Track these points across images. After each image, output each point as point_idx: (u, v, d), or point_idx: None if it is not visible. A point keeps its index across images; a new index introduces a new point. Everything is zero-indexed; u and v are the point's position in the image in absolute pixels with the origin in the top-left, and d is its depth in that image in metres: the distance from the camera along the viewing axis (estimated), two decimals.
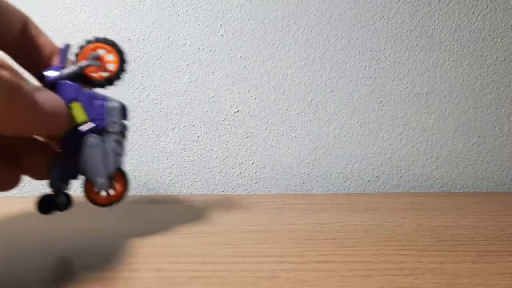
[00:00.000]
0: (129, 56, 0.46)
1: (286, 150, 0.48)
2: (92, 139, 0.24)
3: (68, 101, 0.24)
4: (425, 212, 0.34)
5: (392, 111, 0.48)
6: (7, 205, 0.36)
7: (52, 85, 0.24)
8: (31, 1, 0.45)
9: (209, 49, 0.46)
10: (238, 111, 0.47)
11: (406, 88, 0.48)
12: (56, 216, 0.28)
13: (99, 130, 0.25)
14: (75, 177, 0.26)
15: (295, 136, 0.48)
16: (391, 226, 0.29)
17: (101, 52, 0.25)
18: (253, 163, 0.48)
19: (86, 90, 0.25)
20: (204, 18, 0.46)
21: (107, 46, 0.25)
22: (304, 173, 0.48)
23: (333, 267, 0.21)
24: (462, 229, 0.29)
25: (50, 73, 0.24)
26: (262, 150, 0.48)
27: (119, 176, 0.25)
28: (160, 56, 0.46)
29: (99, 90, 0.25)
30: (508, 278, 0.20)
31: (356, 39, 0.47)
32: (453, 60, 0.48)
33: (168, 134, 0.47)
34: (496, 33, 0.47)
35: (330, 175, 0.48)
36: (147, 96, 0.46)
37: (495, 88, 0.48)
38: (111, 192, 0.25)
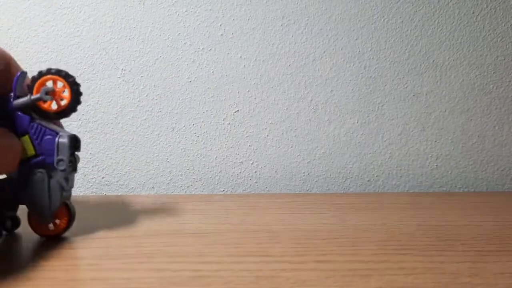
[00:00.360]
0: (129, 56, 0.46)
1: (286, 150, 0.48)
2: (39, 174, 0.24)
3: (20, 133, 0.24)
4: (425, 212, 0.34)
5: (392, 111, 0.48)
6: None
7: (8, 114, 0.24)
8: (31, 1, 0.45)
9: (209, 49, 0.46)
10: (238, 110, 0.47)
11: (406, 88, 0.48)
12: None
13: (47, 165, 0.24)
14: (14, 208, 0.26)
15: (295, 136, 0.48)
16: (391, 226, 0.29)
17: (53, 85, 0.25)
18: (253, 162, 0.48)
19: (39, 123, 0.25)
20: (204, 18, 0.46)
21: (59, 78, 0.25)
22: (304, 173, 0.48)
23: (333, 267, 0.21)
24: (462, 229, 0.29)
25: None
26: (262, 149, 0.48)
27: (63, 212, 0.26)
28: (160, 56, 0.46)
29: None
30: (508, 277, 0.20)
31: (356, 39, 0.47)
32: (453, 60, 0.48)
33: (168, 134, 0.47)
34: (496, 33, 0.47)
35: (330, 175, 0.48)
36: (147, 96, 0.46)
37: (495, 87, 0.48)
38: (52, 226, 0.26)
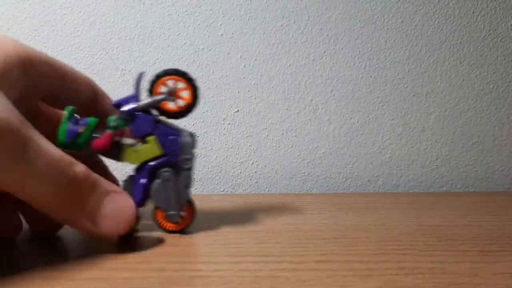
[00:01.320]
0: (129, 56, 0.46)
1: (286, 150, 0.48)
2: (166, 173, 0.25)
3: (145, 134, 0.25)
4: (425, 212, 0.34)
5: (392, 110, 0.48)
6: None
7: (129, 116, 0.25)
8: (31, 1, 0.45)
9: (209, 49, 0.46)
10: (238, 110, 0.47)
11: (406, 87, 0.48)
12: None
13: (172, 164, 0.25)
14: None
15: (295, 136, 0.48)
16: (391, 226, 0.29)
17: (173, 84, 0.26)
18: (253, 162, 0.48)
19: (161, 123, 0.25)
20: (204, 18, 0.46)
21: (180, 79, 0.26)
22: (304, 172, 0.48)
23: (333, 267, 0.21)
24: (462, 229, 0.29)
25: (127, 105, 0.25)
26: (262, 149, 0.48)
27: (188, 207, 0.27)
28: (160, 56, 0.46)
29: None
30: (508, 277, 0.20)
31: (356, 39, 0.47)
32: (453, 60, 0.48)
33: None
34: (496, 33, 0.47)
35: (330, 175, 0.48)
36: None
37: (495, 88, 0.48)
38: (179, 222, 0.26)
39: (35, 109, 0.25)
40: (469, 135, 0.48)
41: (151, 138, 0.25)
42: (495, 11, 0.47)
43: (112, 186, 0.23)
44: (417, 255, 0.23)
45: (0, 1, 0.45)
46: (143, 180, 0.25)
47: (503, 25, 0.47)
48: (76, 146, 0.24)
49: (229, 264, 0.21)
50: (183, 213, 0.26)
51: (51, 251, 0.24)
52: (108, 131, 0.24)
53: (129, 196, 0.23)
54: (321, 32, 0.47)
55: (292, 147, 0.48)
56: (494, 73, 0.48)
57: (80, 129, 0.23)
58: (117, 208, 0.22)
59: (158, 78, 0.25)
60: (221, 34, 0.46)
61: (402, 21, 0.47)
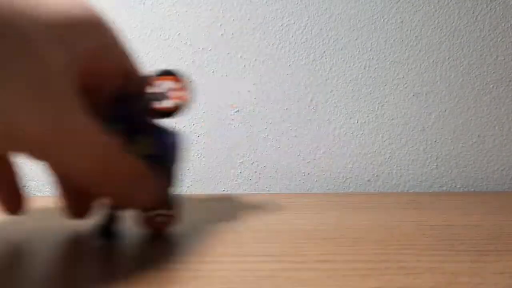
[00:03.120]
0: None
1: (286, 150, 0.48)
2: (157, 171, 0.25)
3: (137, 133, 0.25)
4: (425, 212, 0.34)
5: (392, 110, 0.48)
6: None
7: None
8: None
9: (209, 49, 0.46)
10: (238, 110, 0.47)
11: (406, 87, 0.48)
12: (59, 217, 0.28)
13: (163, 162, 0.25)
14: None
15: (295, 136, 0.48)
16: (391, 226, 0.29)
17: (166, 84, 0.26)
18: (253, 162, 0.48)
19: (154, 121, 0.25)
20: (204, 18, 0.46)
21: (174, 78, 0.26)
22: (304, 172, 0.48)
23: (333, 267, 0.21)
24: (462, 228, 0.29)
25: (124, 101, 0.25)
26: (262, 149, 0.48)
27: (172, 208, 0.26)
28: (160, 56, 0.46)
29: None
30: (508, 277, 0.20)
31: (356, 39, 0.47)
32: (453, 60, 0.48)
33: None
34: (496, 33, 0.47)
35: (330, 175, 0.48)
36: None
37: (495, 87, 0.48)
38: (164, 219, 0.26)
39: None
40: (469, 134, 0.48)
41: (142, 136, 0.25)
42: (495, 11, 0.47)
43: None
44: (417, 254, 0.23)
45: None
46: None
47: (503, 25, 0.47)
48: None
49: (229, 264, 0.21)
50: (167, 213, 0.26)
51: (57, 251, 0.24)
52: None
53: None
54: (321, 32, 0.47)
55: (292, 147, 0.48)
56: (494, 73, 0.48)
57: None
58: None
59: (152, 77, 0.25)
60: (221, 34, 0.46)
61: (402, 21, 0.47)
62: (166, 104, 0.25)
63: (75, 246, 0.25)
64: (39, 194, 0.48)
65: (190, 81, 0.26)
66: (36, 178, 0.47)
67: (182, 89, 0.26)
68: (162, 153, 0.25)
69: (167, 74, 0.26)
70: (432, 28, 0.47)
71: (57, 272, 0.21)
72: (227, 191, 0.48)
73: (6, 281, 0.19)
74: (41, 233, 0.27)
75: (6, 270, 0.21)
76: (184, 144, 0.27)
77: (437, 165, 0.49)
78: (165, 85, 0.26)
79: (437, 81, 0.48)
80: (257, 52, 0.47)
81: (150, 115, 0.25)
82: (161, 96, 0.25)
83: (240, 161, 0.48)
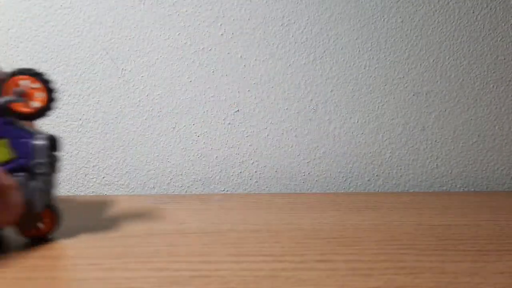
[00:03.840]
0: (129, 56, 0.46)
1: (286, 150, 0.48)
2: (19, 178, 0.23)
3: None
4: (425, 211, 0.34)
5: (392, 110, 0.48)
6: None
7: None
8: (31, 1, 0.45)
9: (209, 49, 0.46)
10: (238, 110, 0.47)
11: (406, 87, 0.48)
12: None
13: (26, 169, 0.23)
14: None
15: (295, 136, 0.48)
16: (391, 225, 0.29)
17: (26, 84, 0.23)
18: (253, 162, 0.48)
19: (14, 125, 0.24)
20: (204, 18, 0.46)
21: (33, 79, 0.23)
22: (304, 172, 0.48)
23: (333, 266, 0.21)
24: (462, 228, 0.29)
25: None
26: (262, 149, 0.48)
27: (48, 214, 0.25)
28: (160, 56, 0.46)
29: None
30: (508, 277, 0.20)
31: (356, 39, 0.47)
32: (453, 60, 0.48)
33: (168, 133, 0.47)
34: (496, 33, 0.47)
35: (330, 175, 0.48)
36: (147, 96, 0.46)
37: (495, 87, 0.48)
38: (38, 228, 0.25)
39: None
40: (469, 134, 0.48)
41: (1, 141, 0.23)
42: (495, 11, 0.47)
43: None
44: (417, 254, 0.23)
45: (0, 1, 0.45)
46: None
47: (503, 25, 0.47)
48: None
49: (229, 264, 0.21)
50: (41, 223, 0.25)
51: (52, 251, 0.24)
52: None
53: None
54: (321, 32, 0.47)
55: (292, 147, 0.48)
56: (494, 72, 0.48)
57: None
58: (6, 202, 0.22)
59: (10, 77, 0.23)
60: (221, 34, 0.46)
61: (402, 21, 0.47)
62: (25, 105, 0.23)
63: None
64: None
65: (51, 81, 0.24)
66: None
67: (41, 89, 0.24)
68: (24, 158, 0.23)
69: (25, 73, 0.23)
70: (432, 28, 0.47)
71: None
72: (227, 190, 0.48)
73: None
74: None
75: None
76: (58, 148, 0.25)
77: (437, 164, 0.49)
78: (23, 85, 0.23)
79: (437, 81, 0.48)
80: (257, 52, 0.47)
81: (7, 117, 0.23)
82: (19, 97, 0.23)
83: (240, 160, 0.48)
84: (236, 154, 0.48)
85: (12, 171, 0.23)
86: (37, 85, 0.24)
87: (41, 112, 0.24)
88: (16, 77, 0.23)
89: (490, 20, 0.47)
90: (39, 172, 0.24)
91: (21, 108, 0.24)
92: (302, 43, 0.47)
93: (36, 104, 0.24)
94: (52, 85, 0.24)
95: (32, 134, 0.24)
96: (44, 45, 0.45)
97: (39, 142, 0.24)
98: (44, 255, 0.23)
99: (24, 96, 0.23)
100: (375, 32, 0.47)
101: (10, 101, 0.23)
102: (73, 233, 0.27)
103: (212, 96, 0.47)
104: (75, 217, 0.31)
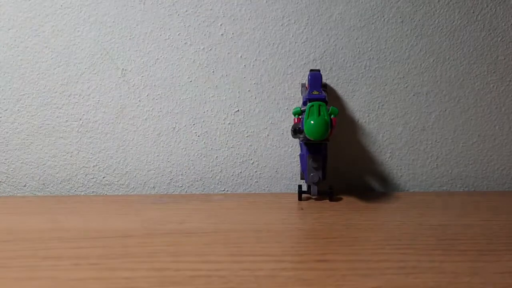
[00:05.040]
0: (129, 56, 0.46)
1: (286, 150, 0.48)
2: None
3: None
4: (425, 211, 0.34)
5: (392, 110, 0.48)
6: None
7: None
8: (31, 1, 0.45)
9: (209, 49, 0.46)
10: (238, 110, 0.47)
11: (406, 87, 0.48)
12: (61, 217, 0.28)
13: None
14: None
15: None
16: (391, 225, 0.29)
17: None
18: (253, 162, 0.48)
19: None
20: (204, 18, 0.46)
21: None
22: None
23: (333, 266, 0.21)
24: (462, 228, 0.29)
25: None
26: (262, 149, 0.48)
27: None
28: (161, 56, 0.46)
29: None
30: (508, 277, 0.20)
31: (356, 39, 0.47)
32: (453, 60, 0.48)
33: (169, 133, 0.47)
34: (496, 33, 0.47)
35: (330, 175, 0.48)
36: (147, 96, 0.46)
37: (495, 87, 0.48)
38: None
39: None
40: (469, 134, 0.48)
41: None
42: (495, 11, 0.47)
43: None
44: (417, 254, 0.23)
45: (0, 1, 0.45)
46: None
47: (503, 25, 0.47)
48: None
49: (229, 263, 0.21)
50: None
51: (52, 250, 0.24)
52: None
53: None
54: (321, 32, 0.47)
55: (292, 147, 0.48)
56: (494, 72, 0.48)
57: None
58: None
59: None
60: (221, 34, 0.46)
61: (402, 21, 0.47)
62: None
63: None
64: (39, 194, 0.48)
65: None
66: (36, 178, 0.47)
67: None
68: None
69: None
70: (432, 28, 0.47)
71: None
72: (227, 190, 0.48)
73: None
74: None
75: None
76: None
77: (437, 164, 0.49)
78: None
79: (437, 81, 0.48)
80: (257, 52, 0.47)
81: None
82: None
83: (241, 160, 0.48)
84: (236, 154, 0.48)
85: None
86: None
87: None
88: None
89: (490, 20, 0.47)
90: None
91: None
92: (302, 43, 0.47)
93: None
94: None
95: None
96: (45, 45, 0.45)
97: None
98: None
99: None
100: (375, 32, 0.47)
101: None
102: (74, 233, 0.27)
103: (212, 96, 0.47)
104: (76, 217, 0.31)
